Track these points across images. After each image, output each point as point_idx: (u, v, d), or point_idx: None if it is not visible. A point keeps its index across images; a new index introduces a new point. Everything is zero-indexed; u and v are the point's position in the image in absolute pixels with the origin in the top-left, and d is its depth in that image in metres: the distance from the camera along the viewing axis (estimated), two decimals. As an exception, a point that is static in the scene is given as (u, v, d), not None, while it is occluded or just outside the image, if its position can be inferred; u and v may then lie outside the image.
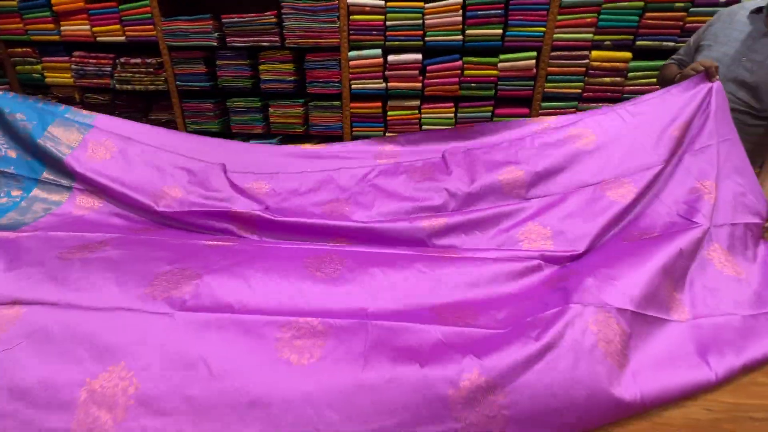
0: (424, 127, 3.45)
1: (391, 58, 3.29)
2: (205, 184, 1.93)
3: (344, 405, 1.04)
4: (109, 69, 3.75)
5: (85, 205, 1.98)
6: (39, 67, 3.88)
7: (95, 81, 3.79)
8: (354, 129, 3.57)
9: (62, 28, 3.65)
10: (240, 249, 1.51)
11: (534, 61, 3.17)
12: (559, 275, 1.42)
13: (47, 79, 3.89)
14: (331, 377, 1.07)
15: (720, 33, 2.24)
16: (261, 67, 3.51)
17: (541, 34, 3.13)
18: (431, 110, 3.39)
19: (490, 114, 3.36)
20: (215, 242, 1.58)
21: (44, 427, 1.02)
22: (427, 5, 3.17)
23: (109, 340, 1.13)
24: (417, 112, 3.40)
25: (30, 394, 1.05)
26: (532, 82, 3.23)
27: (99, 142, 2.05)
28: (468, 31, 3.17)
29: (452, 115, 3.39)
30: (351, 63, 3.35)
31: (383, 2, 3.20)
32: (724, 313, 1.34)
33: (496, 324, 1.23)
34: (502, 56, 3.20)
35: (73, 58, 3.79)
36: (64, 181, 2.04)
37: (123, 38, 3.58)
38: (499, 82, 3.26)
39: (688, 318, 1.31)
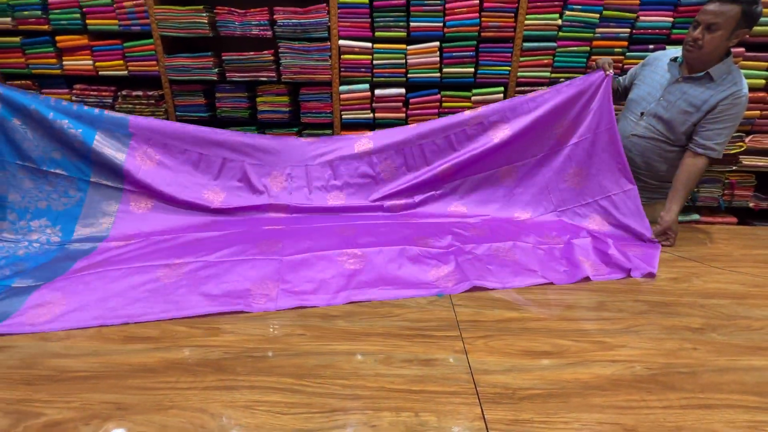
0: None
1: (377, 92, 3.57)
2: (237, 182, 2.53)
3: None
4: (110, 100, 3.88)
5: (141, 205, 2.31)
6: None
7: (98, 112, 3.98)
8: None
9: (64, 62, 3.72)
10: (293, 228, 2.26)
11: (502, 94, 3.54)
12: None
13: None
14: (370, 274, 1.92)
15: (647, 75, 2.73)
16: (258, 99, 3.68)
17: (507, 72, 3.49)
18: None
19: (466, 141, 3.86)
20: (273, 226, 2.29)
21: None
22: (409, 47, 3.47)
23: (251, 274, 1.89)
24: None
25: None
26: (501, 114, 3.77)
27: (143, 151, 2.36)
28: (445, 69, 3.51)
29: None
30: (342, 96, 3.58)
31: (370, 44, 3.49)
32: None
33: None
34: (474, 90, 3.55)
35: (74, 90, 3.90)
36: (113, 183, 2.26)
37: (125, 72, 3.66)
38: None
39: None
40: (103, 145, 2.23)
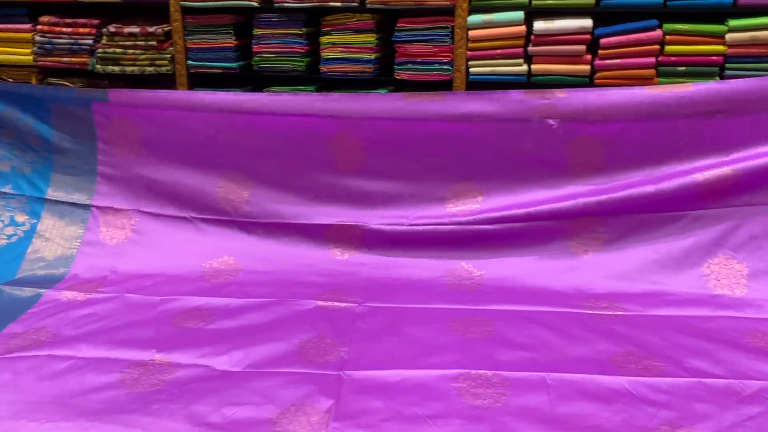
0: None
1: (539, 25, 2.29)
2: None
3: None
4: (89, 42, 2.66)
5: (116, 229, 2.01)
6: None
7: (66, 60, 2.66)
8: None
9: None
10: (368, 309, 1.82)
11: None
12: None
13: None
14: None
15: None
16: (324, 39, 2.51)
17: None
18: None
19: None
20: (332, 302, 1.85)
21: None
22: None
23: None
24: None
25: None
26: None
27: (119, 126, 2.06)
28: None
29: None
30: (471, 33, 2.35)
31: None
32: None
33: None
34: (732, 22, 2.18)
35: (38, 26, 2.72)
36: (80, 197, 2.03)
37: None
38: (727, 64, 2.19)
39: None
40: (64, 135, 2.04)
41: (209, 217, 2.04)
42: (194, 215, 2.04)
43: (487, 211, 2.00)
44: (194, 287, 1.89)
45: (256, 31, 2.51)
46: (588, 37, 2.23)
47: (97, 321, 1.72)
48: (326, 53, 2.47)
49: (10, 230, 1.98)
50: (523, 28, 2.27)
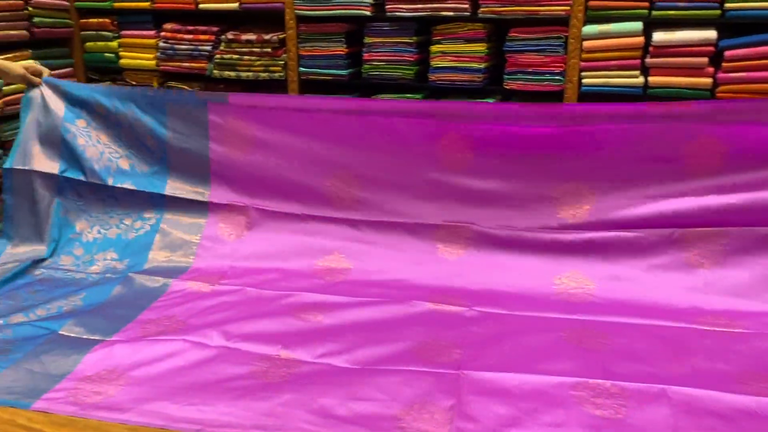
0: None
1: (659, 36, 2.23)
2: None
3: None
4: (208, 48, 2.83)
5: (232, 225, 2.07)
6: (115, 44, 3.03)
7: (186, 65, 2.85)
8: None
9: None
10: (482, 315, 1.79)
11: None
12: None
13: (122, 60, 3.03)
14: None
15: None
16: (434, 48, 2.55)
17: None
18: None
19: None
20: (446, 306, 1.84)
21: None
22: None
23: None
24: None
25: None
26: None
27: (230, 125, 2.06)
28: None
29: None
30: (586, 44, 2.33)
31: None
32: None
33: None
34: None
35: (162, 33, 2.91)
36: (195, 189, 2.07)
37: (236, 5, 2.78)
38: None
39: None
40: (179, 134, 2.07)
41: (320, 214, 2.04)
42: (306, 212, 2.05)
43: (599, 216, 1.92)
44: (309, 284, 1.93)
45: (367, 40, 2.58)
46: (711, 49, 2.15)
47: (223, 311, 1.76)
48: (435, 62, 2.50)
49: (138, 224, 2.08)
50: (641, 39, 2.21)
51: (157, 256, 2.03)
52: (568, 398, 1.40)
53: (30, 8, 2.90)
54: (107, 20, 3.01)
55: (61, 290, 1.87)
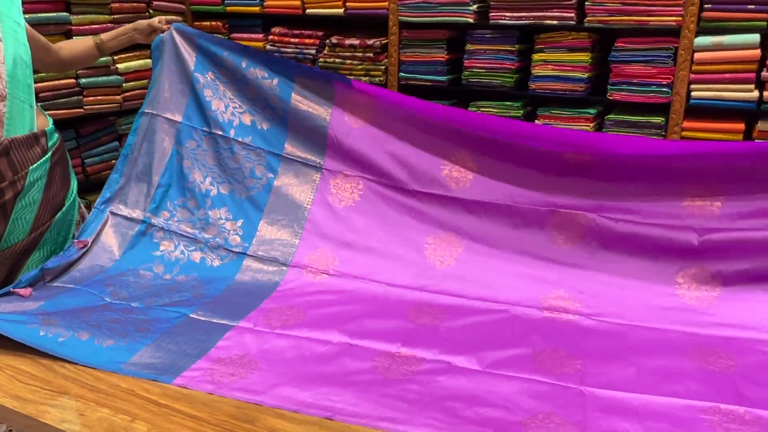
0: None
1: None
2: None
3: None
4: (312, 52, 2.98)
5: (345, 192, 2.04)
6: None
7: (294, 67, 3.01)
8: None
9: None
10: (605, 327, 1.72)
11: None
12: None
13: None
14: None
15: None
16: (536, 56, 2.57)
17: None
18: None
19: None
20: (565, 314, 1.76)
21: None
22: None
23: None
24: None
25: None
26: None
27: (353, 102, 2.04)
28: None
29: None
30: (698, 56, 2.28)
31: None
32: None
33: None
34: None
35: (270, 36, 3.11)
36: (312, 155, 2.05)
37: (341, 10, 2.91)
38: None
39: None
40: (303, 99, 2.07)
41: (432, 192, 1.99)
42: (417, 188, 2.00)
43: (728, 216, 1.76)
44: (419, 272, 1.91)
45: (469, 47, 2.63)
46: None
47: (340, 306, 1.78)
48: (537, 70, 2.52)
49: (251, 182, 2.06)
50: (757, 52, 2.15)
51: (267, 233, 2.02)
52: (700, 422, 1.32)
53: (151, 11, 3.20)
54: (219, 23, 3.24)
55: (186, 270, 1.92)
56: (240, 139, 2.04)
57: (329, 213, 2.02)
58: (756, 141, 2.18)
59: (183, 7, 3.29)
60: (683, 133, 2.31)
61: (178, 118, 2.05)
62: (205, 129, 2.06)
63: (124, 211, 1.98)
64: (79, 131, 3.03)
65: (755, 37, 2.15)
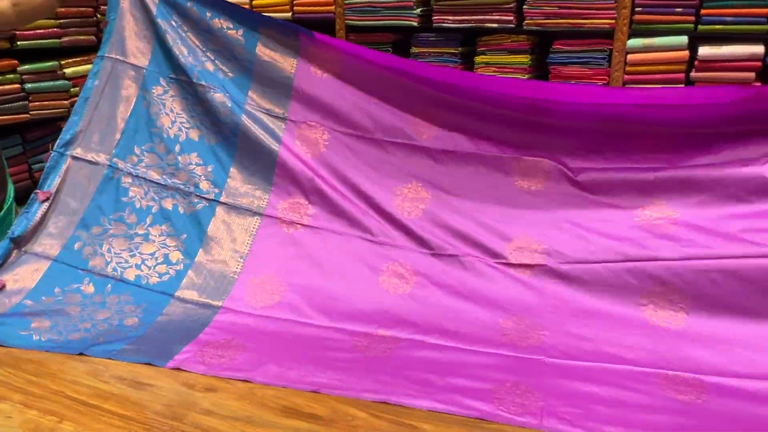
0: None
1: (705, 50, 2.30)
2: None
3: None
4: None
5: (309, 142, 1.98)
6: None
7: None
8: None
9: None
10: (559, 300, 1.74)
11: None
12: None
13: None
14: None
15: None
16: (478, 58, 2.67)
17: None
18: None
19: None
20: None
21: None
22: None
23: None
24: None
25: None
26: None
27: (318, 54, 2.03)
28: None
29: None
30: (630, 57, 2.42)
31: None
32: None
33: None
34: None
35: None
36: (277, 109, 2.03)
37: (289, 14, 3.01)
38: None
39: None
40: (268, 50, 2.05)
41: (397, 141, 1.99)
42: (383, 138, 2.00)
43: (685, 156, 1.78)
44: (388, 223, 1.90)
45: (414, 50, 2.72)
46: (759, 64, 2.19)
47: (317, 272, 1.79)
48: (480, 72, 2.59)
49: (218, 127, 2.06)
50: (686, 53, 2.27)
51: (238, 180, 2.00)
52: (650, 381, 1.41)
53: (99, 15, 3.19)
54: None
55: (159, 217, 1.87)
56: (205, 83, 2.02)
57: (297, 161, 2.01)
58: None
59: (132, 11, 3.29)
60: (619, 132, 2.40)
61: (144, 63, 2.03)
62: (171, 75, 2.04)
63: (88, 155, 1.91)
64: (26, 137, 3.02)
65: (683, 39, 2.27)
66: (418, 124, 2.00)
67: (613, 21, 2.34)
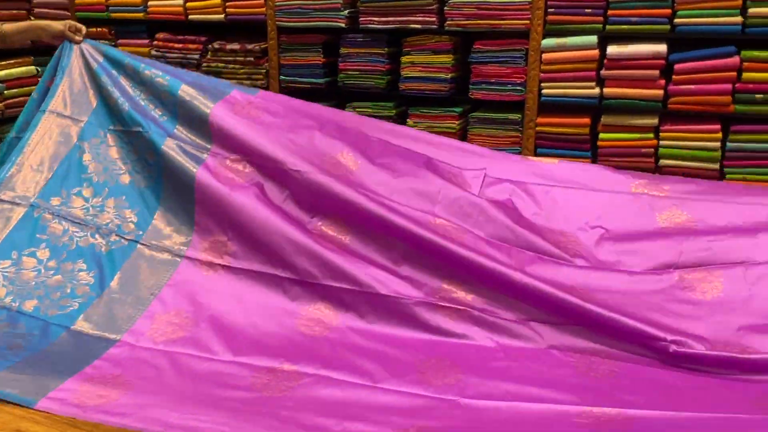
0: (664, 161, 2.36)
1: (613, 49, 2.40)
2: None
3: None
4: (196, 57, 3.06)
5: (229, 176, 1.98)
6: None
7: (177, 71, 3.08)
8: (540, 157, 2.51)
9: (150, 2, 3.16)
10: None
11: None
12: None
13: None
14: None
15: None
16: (404, 59, 2.74)
17: None
18: (679, 134, 2.40)
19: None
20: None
21: None
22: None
23: None
24: (653, 136, 2.42)
25: None
26: None
27: (244, 101, 2.09)
28: (753, 9, 2.22)
29: (717, 143, 2.29)
30: (545, 56, 2.50)
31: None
32: None
33: None
34: None
35: (155, 42, 3.18)
36: (200, 142, 2.06)
37: (222, 16, 3.02)
38: None
39: None
40: (190, 93, 2.11)
41: (312, 176, 1.96)
42: (300, 170, 1.98)
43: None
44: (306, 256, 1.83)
45: (343, 50, 2.76)
46: (662, 62, 2.29)
47: (227, 308, 1.73)
48: (406, 72, 2.67)
49: (147, 171, 2.09)
50: (596, 52, 2.36)
51: (161, 221, 2.00)
52: (572, 425, 1.34)
53: (33, 17, 3.20)
54: (105, 29, 3.27)
55: (74, 254, 1.83)
56: (135, 129, 2.07)
57: (217, 197, 1.96)
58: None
59: (68, 13, 3.30)
60: (538, 128, 2.50)
61: (84, 117, 2.09)
62: (110, 127, 2.09)
63: (11, 196, 1.90)
64: (-43, 139, 2.99)
65: (593, 39, 2.36)
66: (333, 160, 1.99)
67: (528, 22, 2.42)
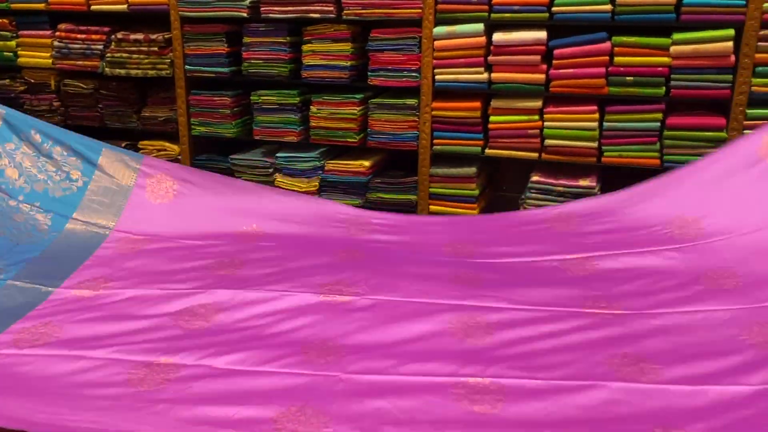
0: (548, 141, 2.51)
1: (498, 36, 2.52)
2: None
3: None
4: (100, 47, 3.04)
5: (162, 187, 2.24)
6: (13, 43, 3.20)
7: (80, 63, 3.05)
8: (436, 141, 2.65)
9: None
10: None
11: (731, 43, 2.27)
12: None
13: (20, 59, 3.21)
14: None
15: None
16: (305, 47, 2.80)
17: (743, 2, 2.22)
18: (561, 116, 2.53)
19: (657, 124, 2.38)
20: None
21: None
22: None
23: None
24: (538, 118, 2.55)
25: None
26: (729, 77, 2.26)
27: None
28: None
29: (595, 123, 2.45)
30: (437, 43, 2.61)
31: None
32: None
33: None
34: (676, 35, 2.34)
35: (57, 33, 3.11)
36: (131, 162, 2.25)
37: (124, 6, 3.01)
38: (672, 75, 2.36)
39: None
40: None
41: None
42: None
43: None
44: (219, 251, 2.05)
45: (246, 40, 2.80)
46: (543, 48, 2.43)
47: (102, 319, 1.73)
48: (307, 60, 2.73)
49: (65, 184, 2.13)
50: (483, 39, 2.48)
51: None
52: (447, 390, 1.38)
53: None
54: (5, 21, 3.18)
55: None
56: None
57: (144, 208, 2.14)
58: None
59: (-35, 4, 3.21)
60: (433, 113, 2.61)
61: None
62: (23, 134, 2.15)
63: None
64: None
65: (480, 27, 2.48)
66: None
67: (420, 10, 2.52)
